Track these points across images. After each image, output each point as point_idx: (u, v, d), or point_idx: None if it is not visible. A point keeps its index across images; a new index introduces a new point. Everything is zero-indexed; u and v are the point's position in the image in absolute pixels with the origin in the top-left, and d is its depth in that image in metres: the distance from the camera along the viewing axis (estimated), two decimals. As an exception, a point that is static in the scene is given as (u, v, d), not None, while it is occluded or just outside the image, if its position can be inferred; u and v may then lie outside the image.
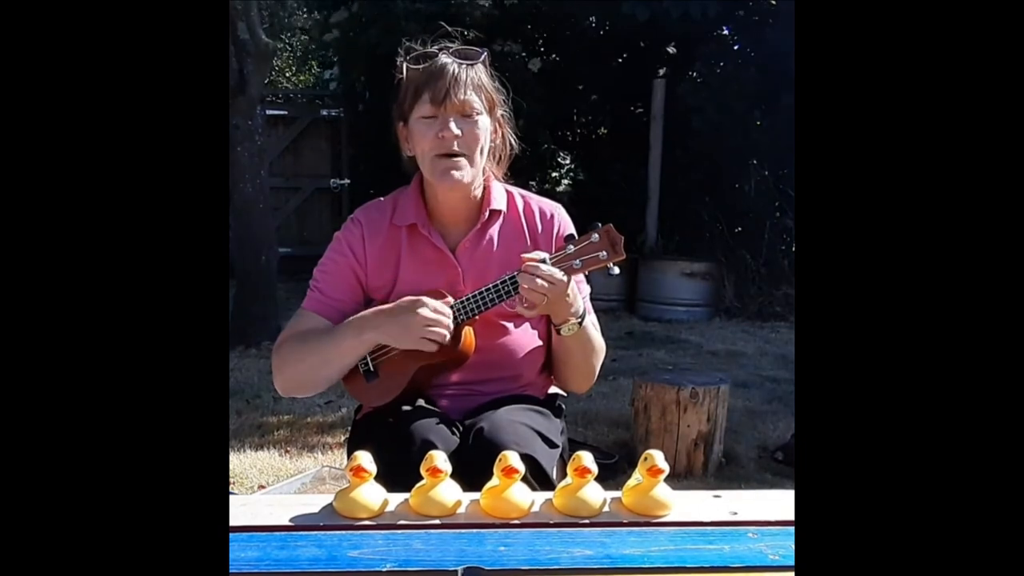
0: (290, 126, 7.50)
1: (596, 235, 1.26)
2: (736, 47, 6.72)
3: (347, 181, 7.54)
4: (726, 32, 6.79)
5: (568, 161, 8.80)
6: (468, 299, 1.30)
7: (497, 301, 1.28)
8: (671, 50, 7.33)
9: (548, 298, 1.23)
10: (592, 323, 1.39)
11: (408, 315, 1.25)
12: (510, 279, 1.27)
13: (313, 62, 10.97)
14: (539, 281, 1.21)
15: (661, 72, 6.97)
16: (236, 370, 4.02)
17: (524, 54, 6.64)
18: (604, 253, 1.25)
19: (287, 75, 12.18)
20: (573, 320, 1.30)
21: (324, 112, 7.64)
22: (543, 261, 1.24)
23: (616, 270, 1.28)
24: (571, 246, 1.27)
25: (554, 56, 7.52)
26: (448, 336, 1.26)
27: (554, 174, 8.76)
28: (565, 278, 1.24)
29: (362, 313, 1.32)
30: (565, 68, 7.31)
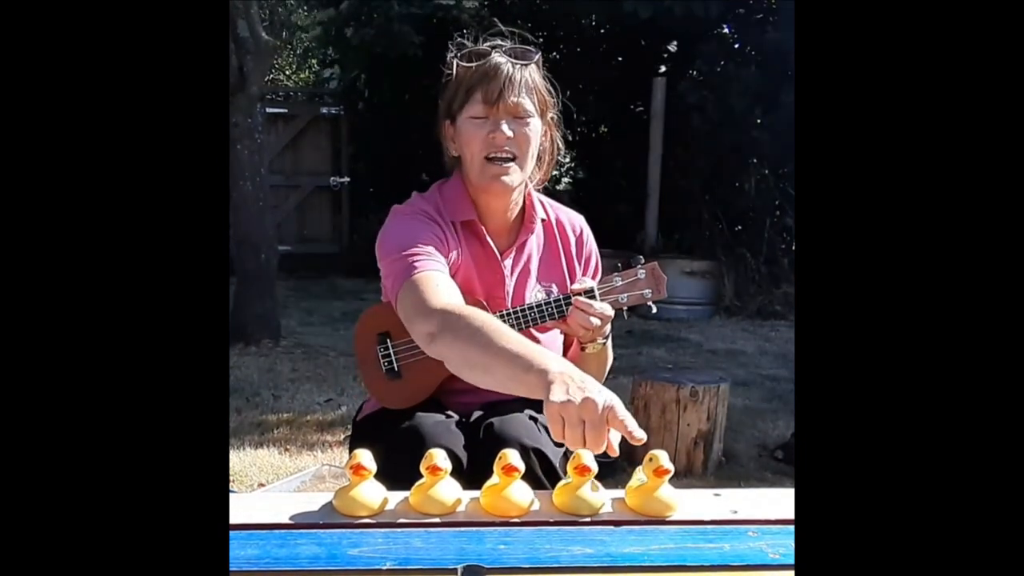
0: (290, 124, 7.50)
1: (642, 271, 1.30)
2: (736, 45, 6.73)
3: (347, 179, 7.54)
4: (726, 30, 6.80)
5: (568, 160, 8.80)
6: (510, 314, 1.29)
7: (540, 321, 1.29)
8: (671, 48, 7.33)
9: (591, 332, 1.25)
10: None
11: (593, 409, 0.90)
12: (555, 303, 1.28)
13: (313, 60, 10.97)
14: (592, 319, 1.24)
15: (661, 71, 6.97)
16: (236, 368, 4.02)
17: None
18: (649, 292, 1.30)
19: (287, 73, 12.17)
20: (600, 340, 1.32)
21: (324, 110, 7.65)
22: (591, 290, 1.27)
23: (655, 308, 1.32)
24: (618, 279, 1.29)
25: (554, 54, 7.52)
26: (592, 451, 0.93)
27: (554, 172, 8.75)
28: (613, 312, 1.27)
29: (552, 359, 1.00)
30: (565, 66, 7.31)
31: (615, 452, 0.90)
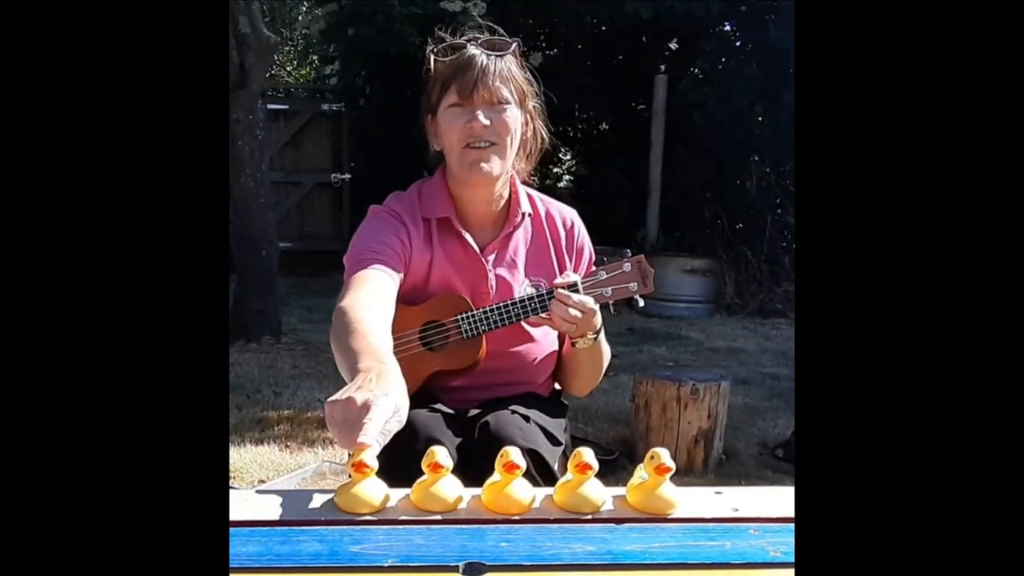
0: (291, 120, 7.49)
1: (628, 264, 1.28)
2: (738, 43, 6.72)
3: (348, 176, 7.54)
4: (728, 28, 6.79)
5: (569, 157, 8.81)
6: (494, 310, 1.29)
7: (523, 317, 1.28)
8: (673, 46, 7.33)
9: (576, 326, 1.24)
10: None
11: (351, 409, 0.90)
12: (538, 298, 1.27)
13: (314, 57, 10.97)
14: (572, 311, 1.22)
15: (663, 68, 6.97)
16: (236, 365, 4.02)
17: (525, 48, 6.64)
18: (634, 285, 1.27)
19: (288, 69, 12.17)
20: (590, 335, 1.31)
21: (325, 107, 7.64)
22: (574, 284, 1.25)
23: (642, 302, 1.30)
24: (603, 272, 1.28)
25: (555, 51, 7.51)
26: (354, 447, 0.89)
27: (555, 170, 8.76)
28: (596, 307, 1.25)
29: (373, 359, 1.03)
30: (567, 63, 7.31)
31: (367, 459, 0.86)
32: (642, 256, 1.29)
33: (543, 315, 1.26)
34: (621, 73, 7.39)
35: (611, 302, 1.29)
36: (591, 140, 8.32)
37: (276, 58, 10.11)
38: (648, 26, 6.22)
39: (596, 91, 7.58)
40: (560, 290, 1.24)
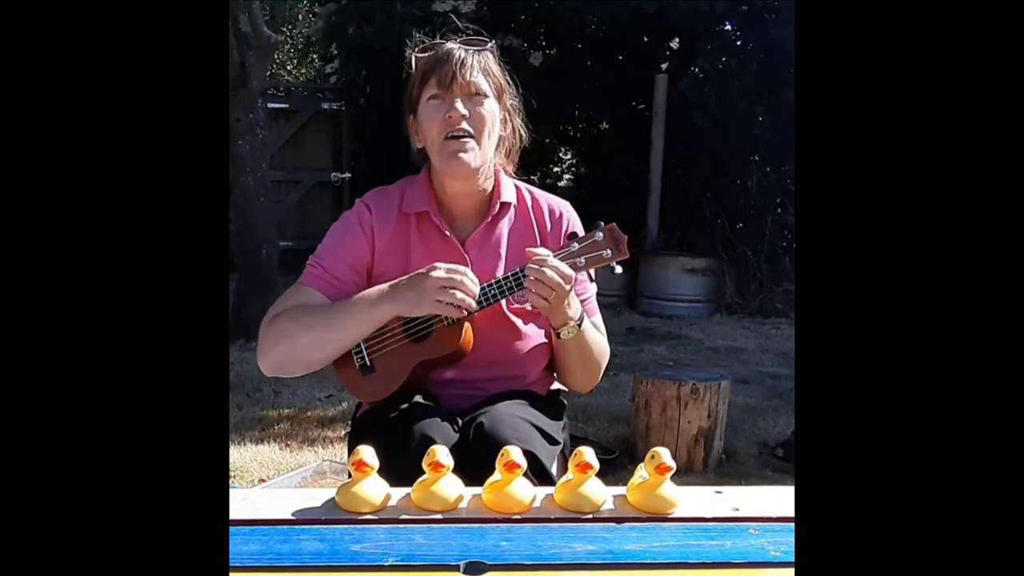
0: (291, 119, 7.49)
1: (600, 234, 1.27)
2: (739, 42, 6.71)
3: (348, 175, 7.54)
4: (729, 27, 6.78)
5: (569, 156, 8.81)
6: None
7: (500, 297, 1.28)
8: (673, 45, 7.33)
9: (555, 292, 1.22)
10: (594, 325, 1.39)
11: (422, 279, 1.23)
12: (513, 275, 1.27)
13: (314, 55, 10.96)
14: (547, 271, 1.21)
15: (663, 67, 6.96)
16: (236, 364, 4.02)
17: (525, 45, 6.65)
18: (608, 252, 1.26)
19: (288, 68, 12.16)
20: (572, 323, 1.30)
21: (325, 105, 7.64)
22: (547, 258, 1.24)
23: (619, 269, 1.29)
24: (575, 244, 1.27)
25: (556, 50, 7.51)
26: (473, 303, 1.24)
27: (555, 169, 8.76)
28: (572, 272, 1.24)
29: (376, 287, 1.29)
30: (567, 62, 7.30)
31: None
32: (614, 224, 1.28)
33: (524, 293, 1.26)
34: (621, 73, 7.38)
35: (588, 271, 1.29)
36: (591, 140, 8.31)
37: (276, 56, 10.10)
38: (650, 24, 6.21)
39: (596, 91, 7.57)
40: (534, 257, 1.23)
